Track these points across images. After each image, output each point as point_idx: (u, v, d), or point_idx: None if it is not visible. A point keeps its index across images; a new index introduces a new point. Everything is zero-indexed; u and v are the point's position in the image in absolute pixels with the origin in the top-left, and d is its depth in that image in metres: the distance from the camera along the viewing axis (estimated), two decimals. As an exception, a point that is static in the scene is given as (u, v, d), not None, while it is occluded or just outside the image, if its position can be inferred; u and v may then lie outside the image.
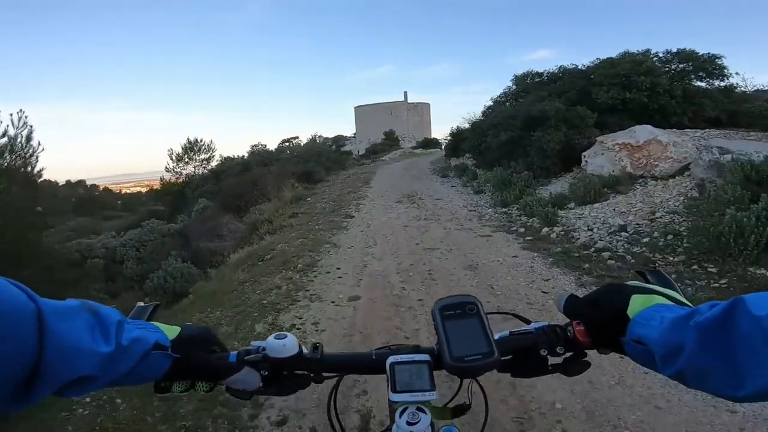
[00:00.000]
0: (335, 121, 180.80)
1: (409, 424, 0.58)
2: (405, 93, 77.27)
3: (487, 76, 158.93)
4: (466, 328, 0.62)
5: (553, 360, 0.66)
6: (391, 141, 63.78)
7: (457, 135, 21.84)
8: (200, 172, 19.58)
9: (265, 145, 25.14)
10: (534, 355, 0.65)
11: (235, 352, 0.68)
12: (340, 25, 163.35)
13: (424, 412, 0.60)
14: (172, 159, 19.87)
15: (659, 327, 0.51)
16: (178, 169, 20.91)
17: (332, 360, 0.69)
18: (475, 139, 15.43)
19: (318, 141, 32.04)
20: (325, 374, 0.70)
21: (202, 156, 20.58)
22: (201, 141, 20.11)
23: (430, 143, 55.29)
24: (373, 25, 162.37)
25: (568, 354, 0.65)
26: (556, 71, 16.06)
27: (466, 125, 20.58)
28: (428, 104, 79.33)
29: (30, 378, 0.42)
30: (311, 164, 20.01)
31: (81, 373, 0.47)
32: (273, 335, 0.66)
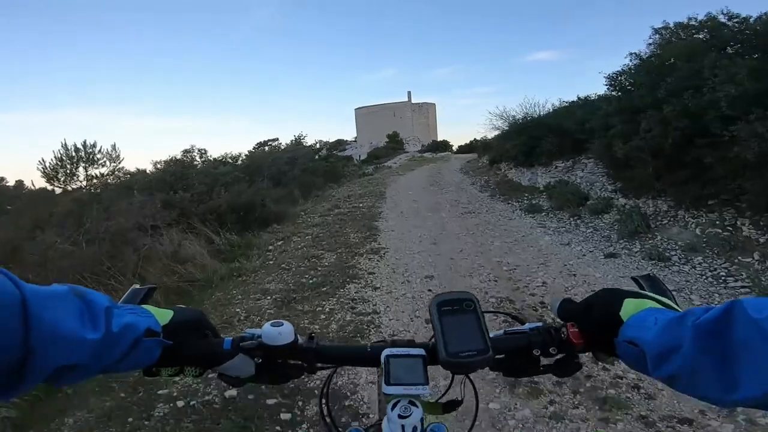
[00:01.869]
0: (337, 125, 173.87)
1: (400, 417, 0.56)
2: (409, 93, 69.78)
3: (490, 78, 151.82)
4: (462, 325, 0.60)
5: (545, 360, 0.63)
6: (394, 144, 56.60)
7: (509, 134, 14.14)
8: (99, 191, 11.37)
9: (205, 151, 16.95)
10: (527, 355, 0.62)
11: (230, 338, 0.63)
12: (342, 28, 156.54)
13: (416, 405, 0.57)
14: (45, 173, 11.83)
15: (653, 328, 0.49)
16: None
17: (327, 351, 0.66)
18: (604, 133, 7.55)
19: (303, 144, 23.86)
20: (319, 365, 0.66)
21: (99, 169, 12.60)
22: (91, 147, 12.12)
23: (439, 146, 48.15)
24: (376, 28, 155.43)
25: (560, 355, 0.62)
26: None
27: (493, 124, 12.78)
28: (434, 104, 71.72)
29: (17, 367, 0.40)
30: (268, 187, 12.11)
31: (69, 362, 0.43)
32: (269, 322, 0.62)
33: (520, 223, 8.05)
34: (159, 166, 11.89)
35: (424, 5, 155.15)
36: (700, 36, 7.53)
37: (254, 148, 23.69)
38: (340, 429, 0.73)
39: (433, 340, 0.62)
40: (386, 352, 0.62)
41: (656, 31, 8.93)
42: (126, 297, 0.64)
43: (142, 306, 0.59)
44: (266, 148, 24.36)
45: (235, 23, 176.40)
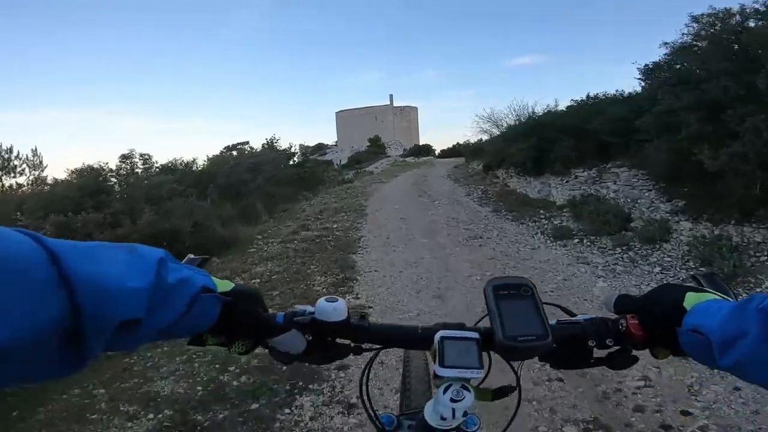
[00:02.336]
0: (318, 129, 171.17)
1: (453, 401, 0.54)
2: (391, 96, 67.86)
3: (472, 82, 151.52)
4: (520, 309, 0.57)
5: (597, 353, 0.60)
6: (376, 148, 54.56)
7: (512, 136, 12.12)
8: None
9: (149, 156, 13.46)
10: (581, 346, 0.59)
11: (282, 312, 0.61)
12: (325, 31, 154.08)
13: (468, 390, 0.55)
14: None
15: (718, 314, 0.47)
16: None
17: (378, 330, 0.63)
18: (666, 134, 5.44)
19: (276, 148, 21.32)
20: (365, 346, 0.63)
21: (17, 179, 10.07)
22: (7, 152, 9.63)
23: (422, 150, 46.27)
24: (358, 31, 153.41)
25: (614, 348, 0.59)
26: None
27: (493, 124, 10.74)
28: (416, 108, 69.93)
29: (71, 333, 0.35)
30: (216, 203, 9.58)
31: (127, 315, 0.39)
32: (324, 298, 0.60)
33: (550, 256, 5.83)
34: (72, 176, 9.30)
35: (405, 9, 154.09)
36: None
37: (221, 151, 21.03)
38: (379, 412, 0.68)
39: (485, 324, 0.59)
40: (440, 333, 0.58)
41: (695, 19, 6.99)
42: (183, 262, 0.57)
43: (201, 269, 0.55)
44: (234, 152, 21.73)
45: (218, 24, 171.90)
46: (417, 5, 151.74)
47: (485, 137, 16.86)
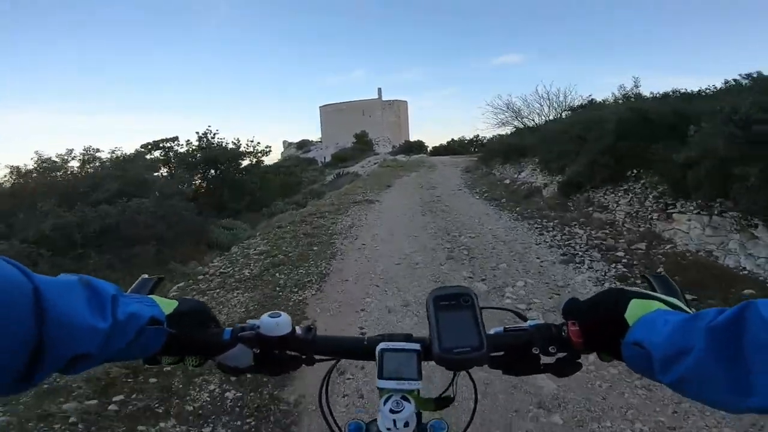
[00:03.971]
0: (302, 126, 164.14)
1: (392, 411, 0.53)
2: (379, 89, 61.51)
3: (457, 80, 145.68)
4: (459, 320, 0.55)
5: (545, 359, 0.58)
6: (362, 145, 48.26)
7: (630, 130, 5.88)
8: None
9: None
10: (526, 353, 0.57)
11: (230, 328, 0.61)
12: (310, 27, 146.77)
13: (408, 401, 0.54)
14: None
15: (663, 330, 0.45)
16: None
17: (324, 342, 0.62)
18: None
19: (215, 146, 14.68)
20: (316, 357, 0.62)
21: None
22: None
23: (413, 147, 40.19)
24: (344, 28, 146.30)
25: (561, 354, 0.57)
26: None
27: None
28: (405, 102, 63.67)
29: (33, 358, 0.38)
30: None
31: (81, 350, 0.42)
32: (267, 313, 0.60)
33: None
34: None
35: (390, 7, 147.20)
36: None
37: (136, 151, 14.36)
38: (339, 425, 0.65)
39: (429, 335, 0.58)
40: (381, 345, 0.58)
41: None
42: (135, 286, 0.62)
43: (149, 296, 0.57)
44: (157, 152, 15.19)
45: (199, 20, 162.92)
46: (403, 3, 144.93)
47: (504, 130, 10.99)
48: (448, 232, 6.35)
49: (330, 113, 62.22)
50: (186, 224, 7.89)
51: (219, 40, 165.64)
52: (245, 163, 14.51)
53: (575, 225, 6.04)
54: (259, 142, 16.19)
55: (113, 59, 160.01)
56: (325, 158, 49.26)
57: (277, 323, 0.58)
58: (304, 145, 65.93)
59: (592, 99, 16.68)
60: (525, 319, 0.62)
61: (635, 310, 0.50)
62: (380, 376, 0.55)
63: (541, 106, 18.54)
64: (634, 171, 5.98)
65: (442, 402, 0.63)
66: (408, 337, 0.59)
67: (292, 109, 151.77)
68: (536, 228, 6.26)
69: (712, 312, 0.42)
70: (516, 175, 10.76)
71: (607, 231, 5.57)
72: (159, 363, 0.59)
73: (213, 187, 13.17)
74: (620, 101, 11.75)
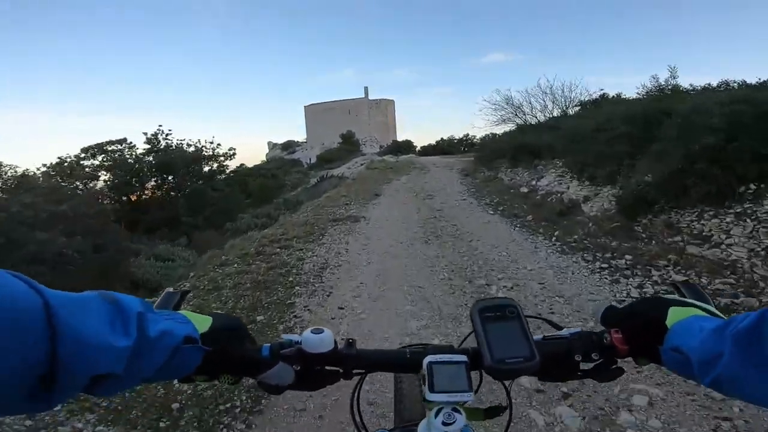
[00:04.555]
0: (288, 126, 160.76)
1: (444, 424, 0.52)
2: (366, 89, 59.18)
3: (445, 80, 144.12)
4: (507, 331, 0.56)
5: (584, 365, 0.58)
6: (349, 146, 45.93)
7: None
8: None
9: None
10: (567, 361, 0.58)
11: (268, 345, 0.58)
12: (300, 26, 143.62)
13: (459, 412, 0.53)
14: None
15: (699, 336, 0.47)
16: None
17: (366, 356, 0.61)
18: None
19: (164, 148, 12.13)
20: (355, 371, 0.61)
21: None
22: None
23: (401, 147, 38.07)
24: (331, 28, 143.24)
25: (600, 360, 0.57)
26: None
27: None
28: (393, 101, 61.50)
29: (48, 377, 0.35)
30: None
31: (102, 371, 0.38)
32: (309, 329, 0.58)
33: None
34: None
35: (376, 6, 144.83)
36: None
37: (82, 152, 11.76)
38: (372, 429, 0.68)
39: (472, 346, 0.58)
40: (429, 359, 0.56)
41: None
42: (160, 301, 0.59)
43: (181, 312, 0.54)
44: (101, 157, 12.52)
45: (180, 20, 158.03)
46: (390, 3, 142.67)
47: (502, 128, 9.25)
48: (468, 276, 4.17)
49: (315, 113, 59.76)
50: (100, 258, 5.54)
51: (203, 40, 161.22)
52: (218, 169, 12.23)
53: (665, 265, 3.91)
54: (219, 144, 13.77)
55: (98, 59, 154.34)
56: (310, 159, 46.92)
57: (321, 339, 0.57)
58: (289, 146, 63.34)
59: (603, 93, 14.72)
60: (560, 328, 0.61)
61: (674, 316, 0.51)
62: (431, 390, 0.53)
63: (544, 101, 16.53)
64: (754, 186, 3.88)
65: (492, 411, 0.62)
66: (450, 348, 0.59)
67: (278, 110, 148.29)
68: (602, 269, 4.10)
69: (738, 317, 0.43)
70: (534, 182, 8.63)
71: (731, 279, 3.44)
72: (193, 381, 0.55)
73: (165, 198, 10.80)
74: (654, 93, 9.73)
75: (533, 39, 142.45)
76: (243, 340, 0.58)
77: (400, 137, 50.88)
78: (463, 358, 0.56)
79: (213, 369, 0.54)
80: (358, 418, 0.68)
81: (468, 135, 35.05)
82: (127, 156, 12.10)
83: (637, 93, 10.82)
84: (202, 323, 0.53)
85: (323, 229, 6.84)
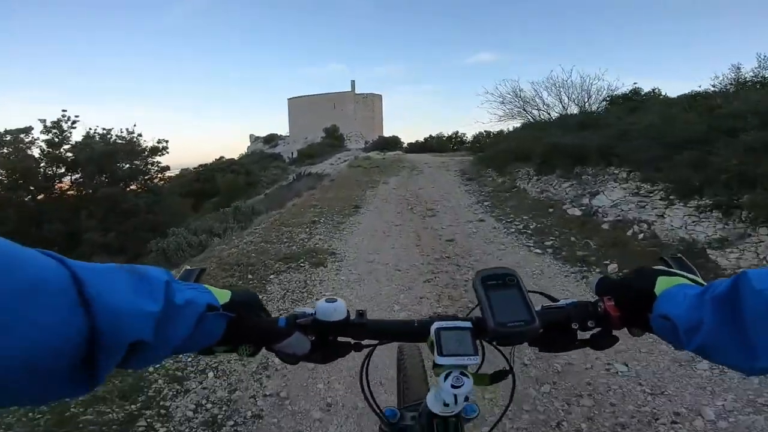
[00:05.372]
0: (273, 119, 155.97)
1: (453, 387, 0.55)
2: (352, 82, 56.00)
3: (433, 77, 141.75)
4: (508, 298, 0.57)
5: (581, 335, 0.60)
6: (333, 140, 42.81)
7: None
8: None
9: None
10: (565, 329, 0.59)
11: (284, 316, 0.59)
12: (284, 20, 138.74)
13: (466, 376, 0.56)
14: None
15: (683, 303, 0.47)
16: None
17: (376, 326, 0.62)
18: None
19: (57, 139, 8.93)
20: (365, 342, 0.63)
21: None
22: None
23: (388, 143, 35.29)
24: (316, 21, 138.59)
25: (596, 329, 0.59)
26: None
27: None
28: (380, 96, 58.41)
29: (89, 351, 0.34)
30: None
31: (136, 337, 0.37)
32: (323, 298, 0.59)
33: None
34: None
35: (361, 2, 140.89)
36: None
37: None
38: (381, 408, 0.68)
39: (476, 314, 0.59)
40: (437, 324, 0.58)
41: None
42: (180, 276, 0.58)
43: (201, 284, 0.54)
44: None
45: (159, 11, 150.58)
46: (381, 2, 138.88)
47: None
48: None
49: (299, 105, 56.36)
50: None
51: (185, 31, 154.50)
52: (144, 168, 9.02)
53: None
54: (140, 134, 10.35)
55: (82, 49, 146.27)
56: (292, 154, 43.61)
57: (335, 308, 0.57)
58: (272, 139, 59.62)
59: (636, 88, 12.06)
60: (556, 300, 0.62)
61: (662, 284, 0.52)
62: (440, 354, 0.55)
63: (560, 94, 13.83)
64: None
65: (497, 376, 0.64)
66: (455, 317, 0.60)
67: (262, 102, 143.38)
68: None
69: (716, 283, 0.43)
70: (587, 200, 5.85)
71: None
72: (213, 353, 0.56)
73: (65, 205, 7.63)
74: (751, 84, 7.13)
75: (522, 39, 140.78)
76: (260, 312, 0.58)
77: (387, 133, 47.93)
78: (468, 324, 0.58)
79: (233, 339, 0.53)
80: (368, 393, 0.68)
81: (458, 132, 33.14)
82: (26, 148, 8.91)
83: (712, 86, 8.14)
84: (222, 296, 0.53)
85: (262, 281, 3.92)
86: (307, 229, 5.95)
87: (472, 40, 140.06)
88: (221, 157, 32.65)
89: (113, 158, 8.71)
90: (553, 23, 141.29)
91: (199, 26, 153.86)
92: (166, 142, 11.45)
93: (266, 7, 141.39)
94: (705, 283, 0.51)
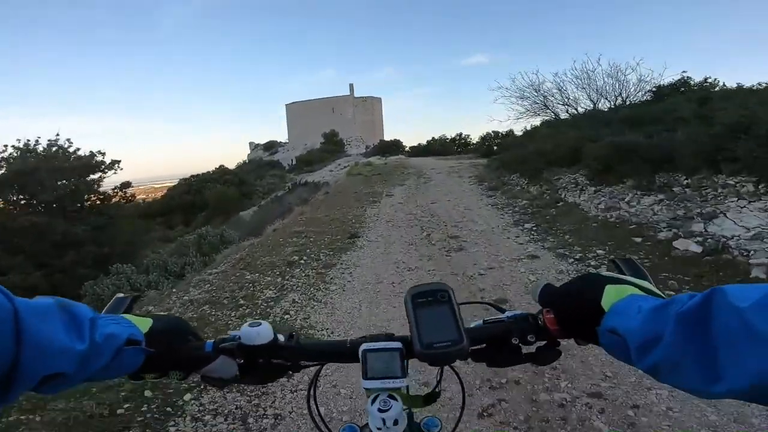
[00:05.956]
0: (273, 126, 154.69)
1: (380, 411, 0.52)
2: (351, 86, 54.11)
3: (430, 80, 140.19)
4: (437, 316, 0.54)
5: (526, 349, 0.55)
6: (332, 146, 40.93)
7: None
8: None
9: None
10: (506, 344, 0.55)
11: (212, 341, 0.58)
12: (282, 25, 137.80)
13: (395, 399, 0.53)
14: None
15: (637, 317, 0.43)
16: None
17: (307, 348, 0.60)
18: None
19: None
20: (302, 363, 0.60)
21: None
22: None
23: (389, 147, 33.51)
24: (311, 27, 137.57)
25: (540, 343, 0.55)
26: None
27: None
28: (379, 99, 56.55)
29: (6, 377, 0.37)
30: None
31: (55, 370, 0.41)
32: (247, 323, 0.57)
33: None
34: None
35: (357, 6, 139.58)
36: None
37: None
38: (331, 429, 0.63)
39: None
40: (363, 346, 0.56)
41: None
42: (109, 306, 0.59)
43: (123, 315, 0.55)
44: None
45: (152, 21, 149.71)
46: (377, 4, 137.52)
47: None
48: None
49: (297, 111, 54.55)
50: None
51: (184, 39, 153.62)
52: (83, 188, 7.05)
53: None
54: (78, 148, 8.39)
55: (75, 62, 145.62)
56: (292, 161, 41.86)
57: (258, 332, 0.56)
58: (271, 146, 57.88)
59: (686, 77, 10.01)
60: (503, 311, 0.59)
61: (610, 296, 0.48)
62: (365, 377, 0.53)
63: (588, 87, 11.81)
64: None
65: (429, 398, 0.61)
66: (390, 336, 0.57)
67: (262, 110, 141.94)
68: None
69: (683, 297, 0.40)
70: (701, 226, 3.85)
71: None
72: (143, 379, 0.56)
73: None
74: None
75: (518, 41, 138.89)
76: (186, 338, 0.57)
77: (387, 137, 46.03)
78: (398, 345, 0.55)
79: (160, 366, 0.54)
80: (316, 414, 0.64)
81: (462, 134, 31.77)
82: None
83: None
84: (144, 324, 0.53)
85: (164, 407, 1.95)
86: (280, 278, 3.98)
87: (469, 41, 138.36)
88: (221, 166, 30.92)
89: (34, 176, 6.80)
90: (552, 19, 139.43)
91: (194, 34, 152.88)
92: (115, 161, 9.43)
93: (265, 14, 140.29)
94: (658, 291, 0.48)
